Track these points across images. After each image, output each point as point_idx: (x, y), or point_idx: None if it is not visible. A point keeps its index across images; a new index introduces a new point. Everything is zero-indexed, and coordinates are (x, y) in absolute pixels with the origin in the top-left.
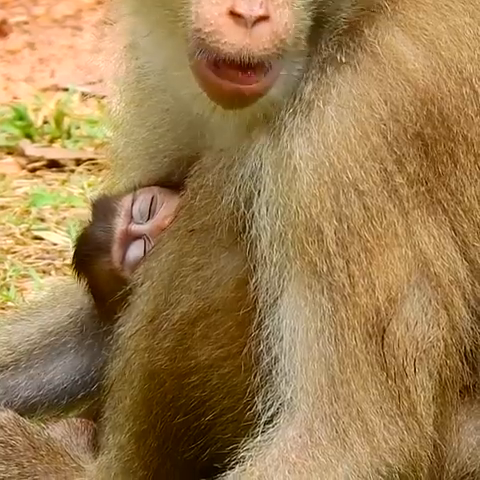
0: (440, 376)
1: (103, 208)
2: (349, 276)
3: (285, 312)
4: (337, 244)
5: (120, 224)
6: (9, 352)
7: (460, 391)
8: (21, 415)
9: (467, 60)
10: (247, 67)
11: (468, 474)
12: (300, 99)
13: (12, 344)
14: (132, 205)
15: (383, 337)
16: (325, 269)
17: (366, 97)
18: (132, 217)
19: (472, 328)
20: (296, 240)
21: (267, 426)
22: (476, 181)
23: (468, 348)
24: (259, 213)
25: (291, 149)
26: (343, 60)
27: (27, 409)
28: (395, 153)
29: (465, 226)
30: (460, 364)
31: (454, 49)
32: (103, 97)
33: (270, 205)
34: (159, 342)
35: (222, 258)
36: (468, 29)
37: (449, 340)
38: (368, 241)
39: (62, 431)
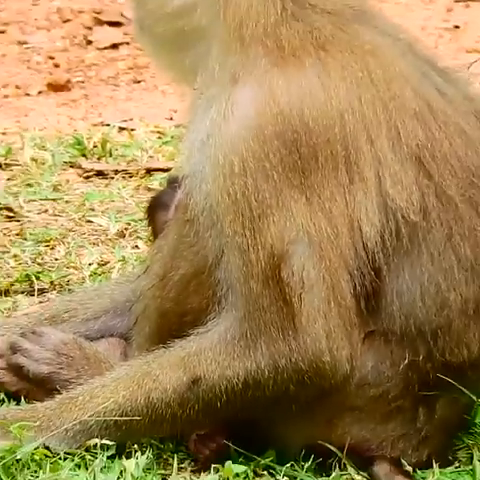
0: (328, 303)
1: (174, 182)
2: (244, 236)
3: (221, 264)
4: (236, 212)
5: (180, 194)
6: (111, 302)
7: (364, 334)
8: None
9: (340, 111)
10: None
11: (367, 384)
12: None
13: (114, 297)
14: None
15: (278, 280)
16: (231, 232)
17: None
18: None
19: (362, 268)
20: (218, 205)
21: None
22: (345, 192)
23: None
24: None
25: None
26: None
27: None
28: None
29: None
30: (352, 300)
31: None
32: (133, 130)
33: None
34: (167, 293)
35: (206, 237)
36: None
37: (334, 274)
38: (252, 210)
39: (104, 346)
